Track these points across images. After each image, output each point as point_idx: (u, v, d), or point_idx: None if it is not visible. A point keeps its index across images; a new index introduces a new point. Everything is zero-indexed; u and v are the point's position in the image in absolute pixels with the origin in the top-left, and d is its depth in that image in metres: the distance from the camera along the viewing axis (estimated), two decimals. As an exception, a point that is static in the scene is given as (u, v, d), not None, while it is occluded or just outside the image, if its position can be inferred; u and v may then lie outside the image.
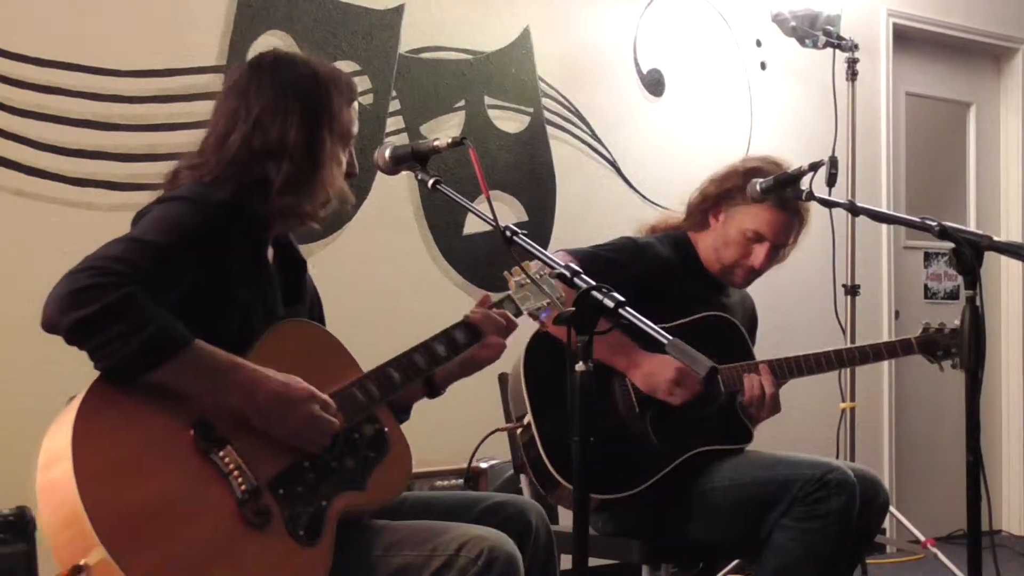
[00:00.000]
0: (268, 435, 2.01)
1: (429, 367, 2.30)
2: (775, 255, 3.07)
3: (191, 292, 2.02)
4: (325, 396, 2.08)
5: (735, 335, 3.07)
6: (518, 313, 2.46)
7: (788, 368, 2.99)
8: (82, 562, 1.80)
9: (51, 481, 1.86)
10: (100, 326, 1.88)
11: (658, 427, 2.89)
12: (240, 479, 1.95)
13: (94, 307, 1.88)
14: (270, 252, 2.27)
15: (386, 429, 2.23)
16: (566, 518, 2.84)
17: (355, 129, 2.29)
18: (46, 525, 1.87)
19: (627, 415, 2.90)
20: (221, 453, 1.96)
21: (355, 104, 2.28)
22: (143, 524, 1.84)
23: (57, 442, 1.87)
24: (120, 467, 1.87)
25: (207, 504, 1.92)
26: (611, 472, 2.80)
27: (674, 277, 3.04)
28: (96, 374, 1.95)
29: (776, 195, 2.92)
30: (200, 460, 1.94)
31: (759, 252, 3.04)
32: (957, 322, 2.99)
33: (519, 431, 2.87)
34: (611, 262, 2.96)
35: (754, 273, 3.09)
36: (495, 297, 2.47)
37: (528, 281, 2.41)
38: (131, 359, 1.89)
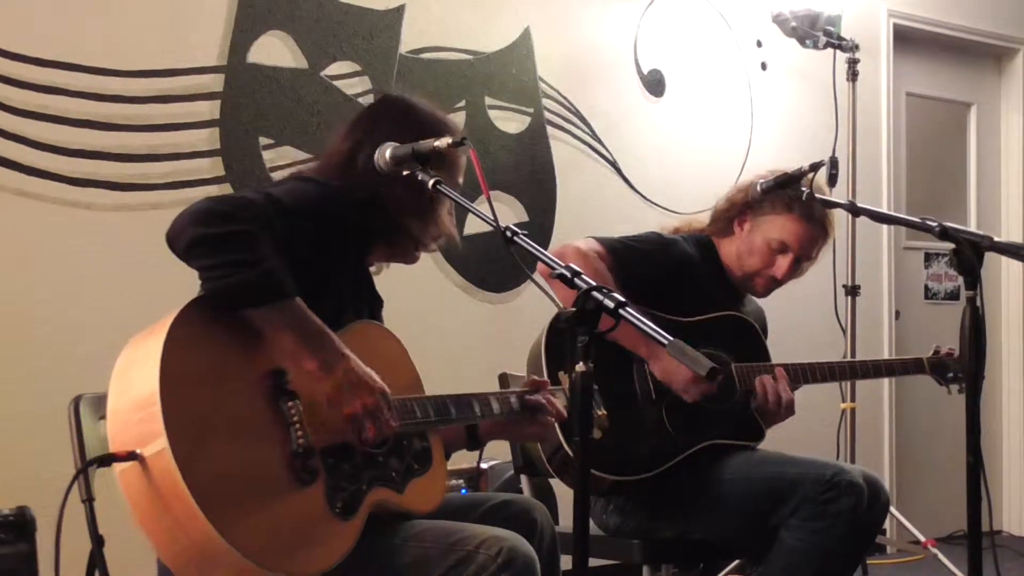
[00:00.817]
0: (333, 407, 2.06)
1: (481, 416, 2.36)
2: (797, 267, 3.08)
3: (299, 263, 2.08)
4: (392, 400, 2.13)
5: (752, 336, 3.08)
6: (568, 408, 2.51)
7: (803, 374, 3.03)
8: (138, 450, 1.86)
9: (130, 378, 1.92)
10: (220, 248, 1.96)
11: (673, 416, 2.90)
12: (300, 432, 2.00)
13: (221, 229, 1.96)
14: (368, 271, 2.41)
15: (432, 450, 2.30)
16: (566, 518, 2.84)
17: (460, 179, 2.44)
18: (115, 412, 1.92)
19: (644, 400, 2.91)
20: (289, 404, 2.01)
21: (465, 157, 2.43)
22: (206, 435, 1.90)
23: (147, 347, 1.92)
24: (201, 379, 1.94)
25: (265, 442, 1.98)
26: (625, 454, 2.82)
27: (698, 275, 3.05)
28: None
29: (803, 207, 2.96)
30: (268, 403, 2.00)
31: (782, 263, 3.05)
32: None
33: None
34: (639, 252, 2.98)
35: (775, 283, 3.10)
36: (551, 386, 2.54)
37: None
38: (237, 289, 1.96)
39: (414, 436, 2.26)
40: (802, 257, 3.07)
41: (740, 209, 3.09)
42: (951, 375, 3.15)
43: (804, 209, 2.98)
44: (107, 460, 1.90)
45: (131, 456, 1.86)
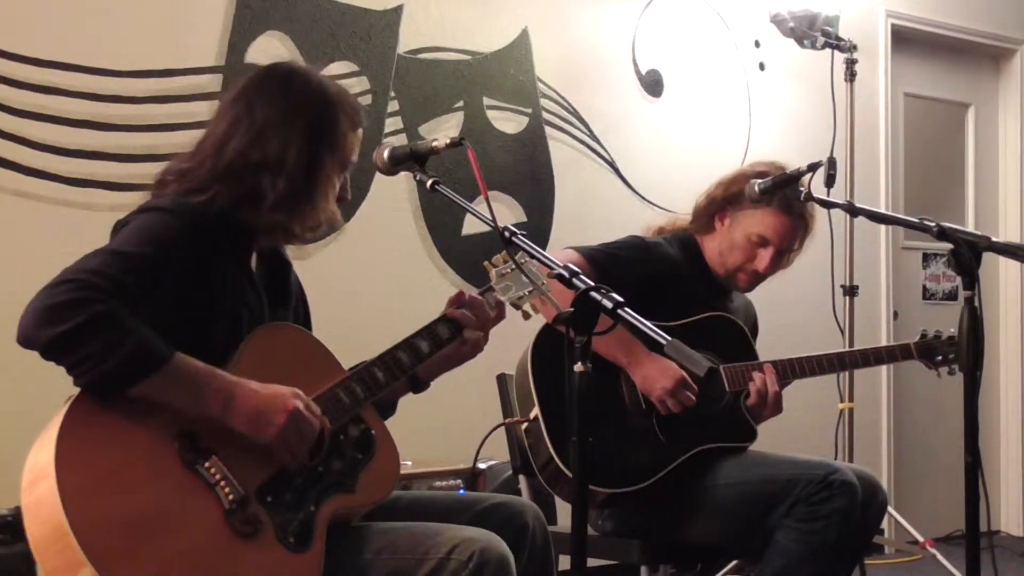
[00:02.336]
0: (253, 443, 2.00)
1: (413, 365, 2.27)
2: (780, 260, 3.07)
3: (174, 302, 2.00)
4: (309, 401, 2.06)
5: (739, 336, 3.08)
6: (499, 303, 2.42)
7: (791, 369, 3.02)
8: None
9: (36, 499, 1.84)
10: (77, 343, 1.85)
11: (663, 424, 2.89)
12: (227, 489, 1.94)
13: (71, 323, 1.85)
14: (253, 257, 2.24)
15: (372, 430, 2.21)
16: (565, 519, 2.84)
17: (355, 157, 2.26)
18: (34, 543, 1.85)
19: (633, 410, 2.90)
20: (207, 464, 1.95)
21: (360, 131, 2.26)
22: (130, 539, 1.83)
23: (40, 459, 1.85)
24: (104, 483, 1.85)
25: (195, 516, 1.91)
26: (616, 466, 2.81)
27: (681, 278, 3.04)
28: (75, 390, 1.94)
29: (781, 199, 2.95)
30: (186, 472, 1.93)
31: (764, 256, 3.05)
32: (954, 330, 3.03)
33: (524, 426, 2.87)
34: (620, 259, 2.97)
35: (758, 277, 3.10)
36: (475, 291, 2.43)
37: (509, 270, 2.38)
38: (110, 376, 1.87)
39: (348, 425, 2.17)
40: (783, 249, 3.07)
41: (720, 205, 3.09)
42: (940, 359, 3.14)
43: (782, 202, 2.98)
44: None
45: None
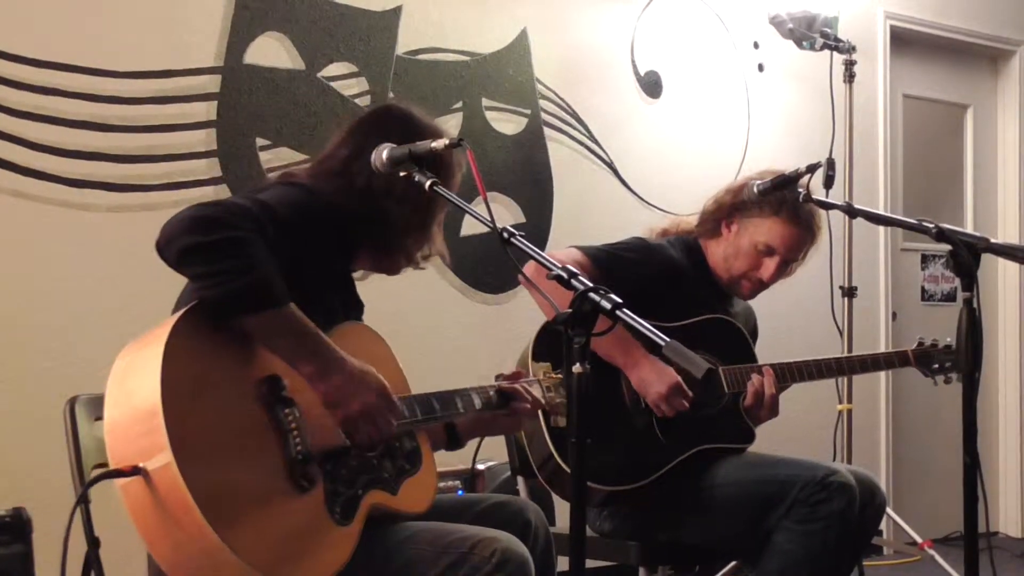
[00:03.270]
0: (330, 412, 2.06)
1: (463, 412, 2.37)
2: (784, 269, 3.08)
3: (285, 271, 2.06)
4: (393, 396, 2.13)
5: (738, 338, 3.08)
6: (538, 404, 2.53)
7: (790, 372, 3.02)
8: (141, 464, 1.85)
9: (128, 388, 1.90)
10: (214, 256, 1.94)
11: (662, 423, 2.89)
12: (298, 439, 2.00)
13: (214, 236, 1.94)
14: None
15: (421, 448, 2.31)
16: (563, 520, 2.84)
17: (458, 180, 2.41)
18: (113, 424, 1.91)
19: (633, 409, 2.91)
20: (287, 411, 2.01)
21: (462, 166, 2.40)
22: (208, 446, 1.89)
23: (144, 353, 1.91)
24: (199, 388, 1.92)
25: (265, 451, 1.97)
26: (615, 464, 2.82)
27: (683, 280, 3.05)
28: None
29: (790, 210, 2.97)
30: (264, 410, 1.99)
31: (769, 265, 3.05)
32: (951, 339, 3.05)
33: None
34: (623, 260, 2.97)
35: (762, 286, 3.10)
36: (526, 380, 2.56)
37: (555, 383, 2.56)
38: (233, 296, 1.94)
39: (404, 436, 2.26)
40: (789, 259, 3.07)
41: (728, 211, 3.09)
42: (936, 367, 3.16)
43: (791, 212, 2.99)
44: (112, 475, 1.88)
45: (135, 471, 1.85)
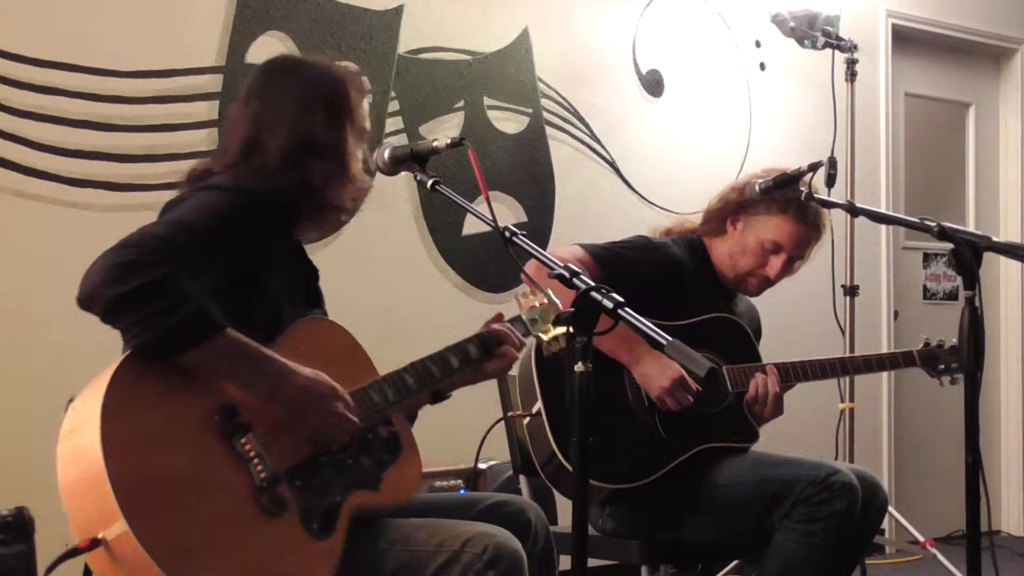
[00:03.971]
0: (290, 427, 2.03)
1: (442, 377, 2.32)
2: (790, 267, 3.08)
3: (225, 280, 2.04)
4: (347, 396, 2.10)
5: (742, 337, 3.08)
6: (527, 334, 2.49)
7: (794, 372, 3.02)
8: (100, 535, 1.82)
9: (76, 446, 1.86)
10: (138, 303, 1.88)
11: (666, 421, 2.89)
12: (260, 466, 1.97)
13: (134, 283, 1.88)
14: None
15: (400, 433, 2.26)
16: (565, 519, 2.84)
17: (368, 125, 2.34)
18: (66, 489, 1.87)
19: (636, 407, 2.91)
20: (243, 440, 1.97)
21: (368, 98, 2.34)
22: (162, 500, 1.85)
23: (86, 409, 1.87)
24: (146, 440, 1.88)
25: (226, 487, 1.93)
26: (618, 462, 2.82)
27: (686, 279, 3.04)
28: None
29: (797, 207, 2.96)
30: (222, 444, 1.95)
31: (775, 263, 3.05)
32: (956, 340, 3.04)
33: (527, 420, 2.88)
34: (626, 258, 2.97)
35: (768, 283, 3.10)
36: (507, 317, 2.51)
37: (537, 304, 2.47)
38: (166, 338, 1.89)
39: (379, 425, 2.21)
40: (795, 257, 3.07)
41: (734, 209, 3.09)
42: (942, 367, 3.15)
43: (798, 209, 2.99)
44: (73, 554, 1.86)
45: (95, 544, 1.81)
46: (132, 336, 1.91)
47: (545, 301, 2.45)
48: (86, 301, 1.92)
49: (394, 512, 2.24)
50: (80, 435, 1.86)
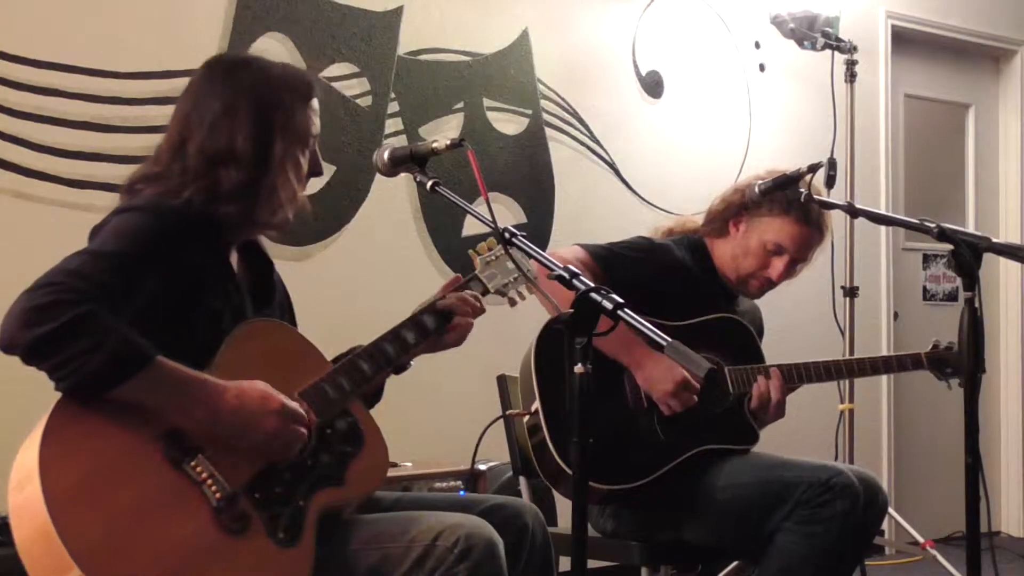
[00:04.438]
0: (237, 445, 1.99)
1: (399, 355, 2.26)
2: (793, 268, 3.07)
3: (154, 302, 1.99)
4: (294, 405, 2.04)
5: (746, 338, 3.07)
6: (486, 292, 2.44)
7: (799, 374, 3.01)
8: None
9: (23, 501, 1.83)
10: (59, 344, 1.83)
11: (665, 423, 2.89)
12: (214, 487, 1.93)
13: (52, 324, 1.82)
14: (235, 257, 2.23)
15: (360, 422, 2.20)
16: (565, 520, 2.84)
17: (315, 129, 2.22)
18: (21, 546, 1.84)
19: (636, 408, 2.90)
20: (193, 463, 1.93)
21: (313, 102, 2.22)
22: (117, 539, 1.82)
23: (26, 463, 1.84)
24: (89, 484, 1.84)
25: (183, 514, 1.90)
26: (617, 463, 2.81)
27: (688, 279, 3.04)
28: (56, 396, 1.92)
29: (800, 209, 2.96)
30: (172, 471, 1.92)
31: (778, 264, 3.04)
32: None
33: (526, 419, 2.87)
34: (627, 259, 2.97)
35: (770, 284, 3.09)
36: (464, 278, 2.45)
37: (494, 257, 2.41)
38: (92, 377, 1.85)
39: (336, 419, 2.16)
40: (798, 259, 3.07)
41: (736, 210, 3.08)
42: (950, 370, 3.13)
43: (801, 211, 2.98)
44: None
45: None
46: (59, 379, 1.86)
47: (501, 253, 2.37)
48: (6, 346, 1.86)
49: (365, 506, 2.21)
50: (25, 490, 1.82)
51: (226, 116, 2.12)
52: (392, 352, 2.25)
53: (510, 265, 2.37)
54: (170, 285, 2.01)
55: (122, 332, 1.87)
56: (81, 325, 1.84)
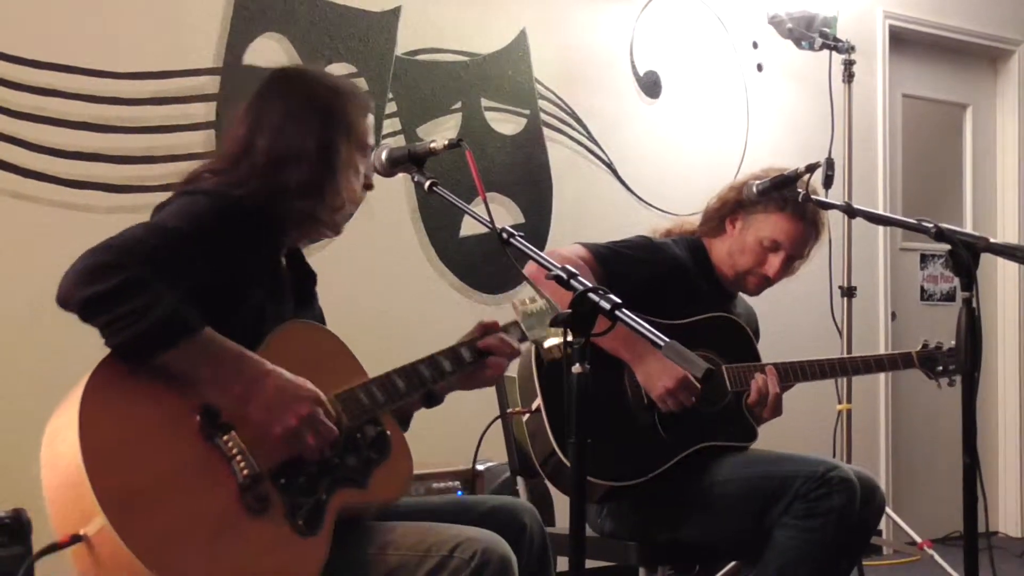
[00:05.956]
0: (268, 428, 2.02)
1: (434, 380, 2.32)
2: (789, 266, 3.08)
3: (204, 286, 2.04)
4: (329, 405, 2.09)
5: (742, 337, 3.08)
6: (523, 339, 2.49)
7: (793, 372, 3.03)
8: (82, 531, 1.83)
9: (56, 452, 1.89)
10: (113, 303, 1.91)
11: (665, 420, 2.89)
12: (243, 464, 1.98)
13: (109, 284, 1.91)
14: (283, 261, 2.31)
15: (388, 432, 2.25)
16: (563, 521, 2.84)
17: (371, 140, 2.33)
18: (49, 494, 1.90)
19: (636, 405, 2.91)
20: (225, 438, 1.99)
21: (370, 116, 2.33)
22: (143, 497, 1.87)
23: (65, 416, 1.90)
24: (125, 443, 1.90)
25: (209, 485, 1.95)
26: (617, 460, 2.82)
27: (687, 279, 3.05)
28: (105, 353, 1.98)
29: (795, 205, 2.97)
30: (204, 444, 1.97)
31: (774, 261, 3.05)
32: (954, 342, 3.05)
33: (526, 418, 2.88)
34: (628, 257, 2.98)
35: (767, 282, 3.10)
36: (502, 323, 2.49)
37: (535, 310, 2.46)
38: (141, 339, 1.92)
39: (366, 424, 2.21)
40: (794, 256, 3.08)
41: (732, 208, 3.09)
42: (940, 369, 3.16)
43: (797, 208, 2.99)
44: (54, 548, 1.87)
45: (75, 539, 1.84)
46: (107, 337, 1.94)
47: (544, 306, 2.44)
48: (62, 301, 1.96)
49: (382, 513, 2.24)
50: (60, 440, 1.88)
51: (293, 120, 2.23)
52: (427, 375, 2.30)
53: (548, 316, 2.42)
54: (219, 270, 2.08)
55: (173, 300, 1.94)
56: (134, 288, 1.92)
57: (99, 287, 1.91)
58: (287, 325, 2.20)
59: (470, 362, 2.37)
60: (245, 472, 1.97)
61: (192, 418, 1.97)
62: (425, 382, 2.30)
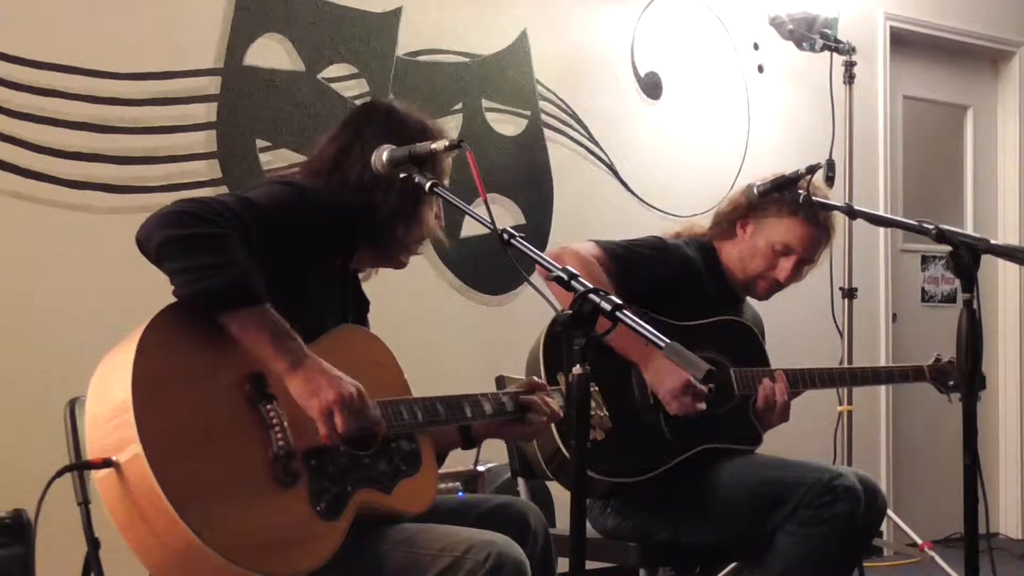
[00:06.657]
0: (304, 409, 2.04)
1: (473, 418, 2.35)
2: (800, 269, 3.08)
3: (273, 272, 2.07)
4: (370, 400, 2.10)
5: (752, 341, 3.08)
6: (564, 406, 2.50)
7: (803, 379, 3.03)
8: (113, 458, 1.86)
9: (107, 381, 1.92)
10: (190, 251, 1.96)
11: (670, 419, 2.89)
12: (280, 435, 2.00)
13: (188, 231, 1.96)
14: (347, 277, 2.38)
15: (422, 450, 2.29)
16: (564, 522, 2.84)
17: (447, 180, 2.44)
18: (92, 419, 1.93)
19: (642, 404, 2.90)
20: (268, 406, 2.01)
21: (451, 156, 2.43)
22: (181, 438, 1.90)
23: (125, 347, 1.93)
24: (174, 382, 1.94)
25: (244, 446, 1.98)
26: (620, 457, 2.81)
27: (698, 281, 3.05)
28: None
29: (807, 210, 2.97)
30: (247, 406, 2.00)
31: (785, 265, 3.05)
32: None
33: None
34: (641, 256, 2.98)
35: (777, 286, 3.10)
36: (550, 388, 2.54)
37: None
38: (206, 293, 1.96)
39: (402, 438, 2.25)
40: (805, 260, 3.08)
41: (743, 211, 3.09)
42: (952, 384, 3.16)
43: (808, 212, 2.99)
44: (83, 467, 1.91)
45: (106, 463, 1.87)
46: (177, 284, 1.97)
47: (595, 388, 2.48)
48: (143, 239, 1.99)
49: (401, 519, 2.25)
50: (113, 368, 1.92)
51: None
52: (467, 411, 2.34)
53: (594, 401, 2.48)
54: (294, 263, 2.14)
55: (246, 264, 2.00)
56: (214, 243, 1.98)
57: (184, 231, 1.96)
58: (344, 327, 2.26)
59: (510, 412, 2.40)
60: (281, 443, 2.00)
61: (241, 378, 2.01)
62: (464, 416, 2.33)
